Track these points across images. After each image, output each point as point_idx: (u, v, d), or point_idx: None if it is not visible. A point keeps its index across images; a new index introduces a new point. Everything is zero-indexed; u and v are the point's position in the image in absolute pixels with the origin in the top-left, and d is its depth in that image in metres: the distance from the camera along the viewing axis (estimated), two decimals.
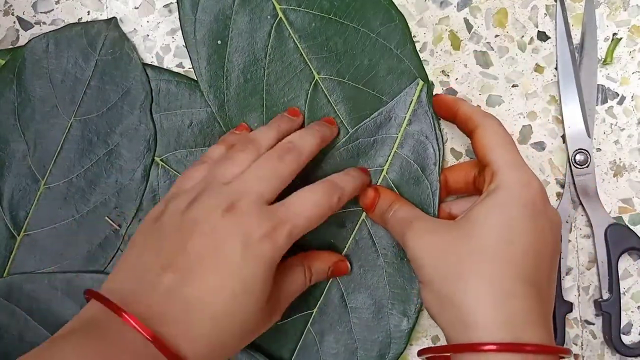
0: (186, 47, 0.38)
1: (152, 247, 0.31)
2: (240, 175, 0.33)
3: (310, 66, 0.38)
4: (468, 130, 0.35)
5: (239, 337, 0.31)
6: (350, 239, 0.38)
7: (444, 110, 0.37)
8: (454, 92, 0.40)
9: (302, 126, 0.39)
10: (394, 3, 0.38)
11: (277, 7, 0.38)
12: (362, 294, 0.38)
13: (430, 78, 0.40)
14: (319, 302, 0.38)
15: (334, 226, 0.38)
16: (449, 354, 0.31)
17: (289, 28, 0.38)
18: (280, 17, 0.38)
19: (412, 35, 0.40)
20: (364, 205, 0.37)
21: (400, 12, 0.38)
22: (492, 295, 0.29)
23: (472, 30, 0.40)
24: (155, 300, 0.29)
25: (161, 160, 0.39)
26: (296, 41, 0.38)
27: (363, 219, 0.38)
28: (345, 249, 0.38)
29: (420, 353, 0.33)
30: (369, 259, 0.38)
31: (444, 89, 0.40)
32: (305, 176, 0.38)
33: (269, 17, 0.38)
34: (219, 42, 0.38)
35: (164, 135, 0.39)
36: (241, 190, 0.32)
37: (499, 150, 0.33)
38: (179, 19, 0.38)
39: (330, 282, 0.38)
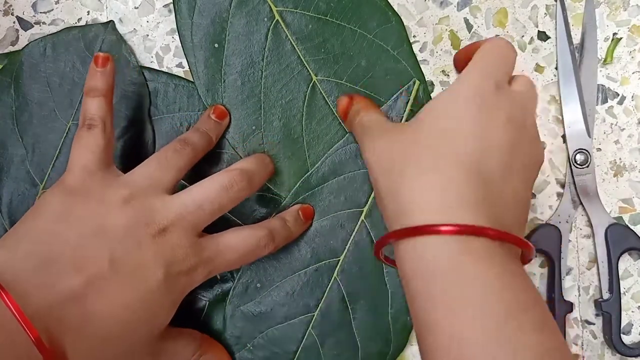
0: (183, 50, 0.38)
1: (66, 227, 0.30)
2: (181, 194, 0.32)
3: (308, 68, 0.38)
4: None
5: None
6: (350, 240, 0.38)
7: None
8: None
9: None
10: (390, 4, 0.38)
11: (274, 9, 0.38)
12: (362, 295, 0.38)
13: (430, 78, 0.40)
14: (320, 304, 0.38)
15: (334, 227, 0.38)
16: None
17: (285, 30, 0.38)
18: (277, 19, 0.38)
19: (412, 35, 0.40)
20: (339, 114, 0.37)
21: (397, 13, 0.38)
22: (430, 183, 0.27)
23: (472, 30, 0.40)
24: (56, 301, 0.28)
25: None
26: (293, 43, 0.38)
27: (362, 220, 0.38)
28: (345, 250, 0.38)
29: (375, 250, 0.31)
30: (369, 259, 0.38)
31: (444, 89, 0.40)
32: (307, 179, 0.38)
33: (265, 19, 0.38)
34: (216, 45, 0.38)
35: (163, 138, 0.39)
36: (178, 213, 0.31)
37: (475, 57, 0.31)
38: (176, 22, 0.38)
39: (331, 283, 0.38)
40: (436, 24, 0.40)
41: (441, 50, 0.40)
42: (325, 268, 0.38)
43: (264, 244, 0.34)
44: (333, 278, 0.38)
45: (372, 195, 0.38)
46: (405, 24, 0.40)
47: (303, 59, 0.38)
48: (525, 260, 0.28)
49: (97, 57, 0.34)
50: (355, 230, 0.38)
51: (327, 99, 0.38)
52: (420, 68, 0.38)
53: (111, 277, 0.29)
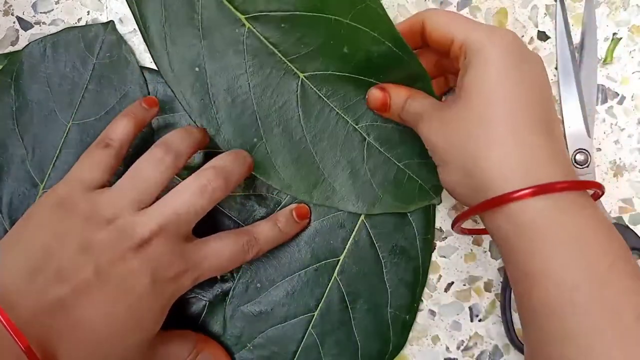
0: (167, 84, 0.37)
1: (53, 239, 0.30)
2: (157, 205, 0.32)
3: (293, 67, 0.37)
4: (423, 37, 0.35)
5: None
6: (350, 239, 0.38)
7: (411, 38, 0.36)
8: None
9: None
10: None
11: (242, 17, 0.37)
12: (362, 294, 0.38)
13: None
14: (320, 304, 0.38)
15: (334, 227, 0.38)
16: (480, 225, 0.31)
17: (260, 35, 0.37)
18: (249, 27, 0.37)
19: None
20: (375, 108, 0.37)
21: None
22: (505, 152, 0.29)
23: None
24: (44, 309, 0.28)
25: None
26: (271, 46, 0.37)
27: (362, 220, 0.38)
28: (345, 250, 0.38)
29: (454, 224, 0.33)
30: (369, 259, 0.38)
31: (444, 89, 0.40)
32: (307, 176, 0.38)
33: (237, 30, 0.37)
34: (197, 68, 0.37)
35: (159, 137, 0.39)
36: (157, 223, 0.31)
37: (453, 24, 0.32)
38: (152, 58, 0.37)
39: (331, 283, 0.38)
40: None
41: None
42: (325, 268, 0.38)
43: (247, 249, 0.35)
44: (333, 278, 0.38)
45: None
46: None
47: (285, 60, 0.37)
48: (595, 197, 0.31)
49: (150, 98, 0.37)
50: (355, 230, 0.38)
51: (319, 92, 0.37)
52: (406, 45, 0.36)
53: (98, 285, 0.29)
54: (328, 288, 0.38)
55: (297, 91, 0.37)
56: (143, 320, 0.31)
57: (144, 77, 0.39)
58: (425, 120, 0.33)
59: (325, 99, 0.37)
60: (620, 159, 0.39)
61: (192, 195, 0.32)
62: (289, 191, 0.38)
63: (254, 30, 0.37)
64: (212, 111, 0.37)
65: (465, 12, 0.40)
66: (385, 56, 0.36)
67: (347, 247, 0.38)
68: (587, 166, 0.39)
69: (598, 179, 0.39)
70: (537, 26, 0.40)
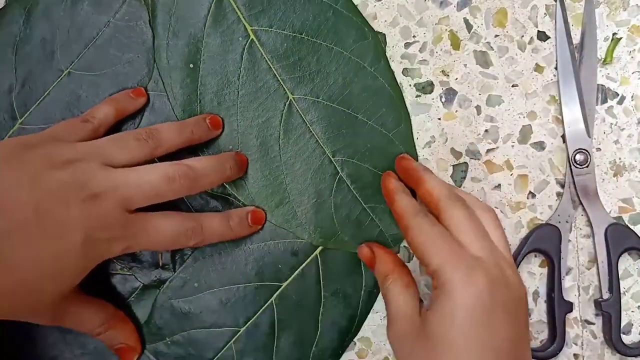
0: (159, 71, 0.38)
1: (8, 172, 0.30)
2: (125, 169, 0.32)
3: (284, 86, 0.38)
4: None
5: (29, 312, 0.31)
6: (299, 269, 0.38)
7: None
8: (454, 92, 0.40)
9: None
10: (366, 20, 0.38)
11: (249, 28, 0.38)
12: (292, 325, 0.38)
13: (430, 78, 0.40)
14: (249, 323, 0.38)
15: (287, 252, 0.38)
16: None
17: (261, 49, 0.38)
18: (252, 39, 0.38)
19: (412, 35, 0.40)
20: (363, 260, 0.37)
21: (373, 29, 0.38)
22: None
23: (472, 30, 0.40)
24: None
25: None
26: (269, 62, 0.38)
27: (317, 254, 0.38)
28: (290, 279, 0.38)
29: None
30: (310, 294, 0.38)
31: (444, 88, 0.40)
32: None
33: (240, 38, 0.38)
34: (192, 65, 0.38)
35: (152, 114, 0.39)
36: (115, 185, 0.31)
37: (432, 248, 0.31)
38: (153, 43, 0.38)
39: (266, 305, 0.38)
40: (436, 24, 0.40)
41: (441, 50, 0.40)
42: (266, 289, 0.38)
43: (190, 235, 0.34)
44: (270, 301, 0.38)
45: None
46: (405, 24, 0.40)
47: (279, 78, 0.38)
48: None
49: (138, 90, 0.38)
50: (307, 262, 0.38)
51: (304, 117, 0.38)
52: (398, 84, 0.38)
53: (32, 227, 0.29)
54: (262, 309, 0.38)
55: (283, 110, 0.38)
56: (64, 272, 0.31)
57: (154, 51, 0.39)
58: (395, 329, 0.32)
59: (309, 125, 0.38)
60: (620, 159, 0.39)
61: (160, 179, 0.33)
62: (252, 205, 0.38)
63: (257, 42, 0.38)
64: (197, 109, 0.38)
65: (465, 12, 0.40)
66: (376, 90, 0.37)
67: (293, 275, 0.38)
68: (587, 166, 0.39)
69: (598, 179, 0.39)
70: (537, 26, 0.40)
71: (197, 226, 0.35)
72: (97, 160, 0.32)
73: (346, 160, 0.38)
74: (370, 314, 0.39)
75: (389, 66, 0.38)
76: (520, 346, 0.31)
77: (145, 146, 0.34)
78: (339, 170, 0.38)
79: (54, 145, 0.32)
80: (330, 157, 0.38)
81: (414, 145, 0.39)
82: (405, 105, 0.39)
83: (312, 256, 0.38)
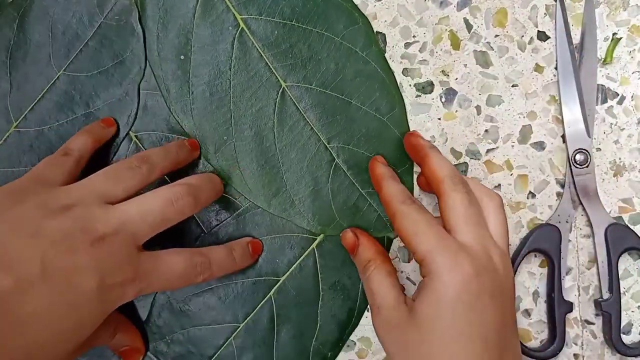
0: (149, 64, 0.38)
1: (3, 226, 0.29)
2: (125, 204, 0.32)
3: (276, 74, 0.38)
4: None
5: None
6: (296, 263, 0.38)
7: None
8: (454, 92, 0.40)
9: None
10: (356, 6, 0.38)
11: (238, 17, 0.37)
12: (292, 320, 0.38)
13: (430, 78, 0.40)
14: (248, 318, 0.38)
15: (284, 246, 0.38)
16: None
17: (251, 38, 0.38)
18: (242, 27, 0.37)
19: (412, 35, 0.40)
20: (345, 245, 0.37)
21: (364, 14, 0.38)
22: None
23: (472, 30, 0.40)
24: None
25: (135, 136, 0.40)
26: (260, 50, 0.38)
27: (313, 247, 0.38)
28: (288, 272, 0.38)
29: None
30: (308, 287, 0.38)
31: (444, 88, 0.40)
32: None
33: (230, 28, 0.37)
34: (182, 57, 0.38)
35: (146, 113, 0.39)
36: (120, 222, 0.30)
37: (419, 236, 0.31)
38: (143, 37, 0.38)
39: (264, 301, 0.38)
40: (436, 24, 0.40)
41: (441, 50, 0.40)
42: (264, 284, 0.38)
43: (199, 271, 0.34)
44: (268, 296, 0.38)
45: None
46: (405, 24, 0.40)
47: (271, 66, 0.38)
48: None
49: (107, 119, 0.39)
50: (304, 255, 0.38)
51: (297, 105, 0.38)
52: (390, 68, 0.38)
53: (41, 281, 0.27)
54: (260, 305, 0.38)
55: (276, 99, 0.38)
56: (82, 324, 0.29)
57: (146, 49, 0.39)
58: (380, 319, 0.32)
59: (303, 112, 0.38)
60: (620, 159, 0.39)
61: (162, 204, 0.32)
62: (249, 195, 0.38)
63: (247, 31, 0.37)
64: (189, 101, 0.38)
65: (465, 12, 0.40)
66: (369, 75, 0.37)
67: (291, 269, 0.38)
68: (587, 166, 0.39)
69: (598, 179, 0.39)
70: (537, 26, 0.40)
71: (206, 261, 0.34)
72: (95, 200, 0.31)
73: (342, 147, 0.38)
74: (369, 311, 0.39)
75: (381, 50, 0.38)
76: (507, 331, 0.31)
77: (139, 173, 0.33)
78: (335, 157, 0.38)
79: (46, 192, 0.31)
80: (326, 144, 0.38)
81: (409, 129, 0.39)
82: (399, 88, 0.39)
83: (309, 249, 0.38)
